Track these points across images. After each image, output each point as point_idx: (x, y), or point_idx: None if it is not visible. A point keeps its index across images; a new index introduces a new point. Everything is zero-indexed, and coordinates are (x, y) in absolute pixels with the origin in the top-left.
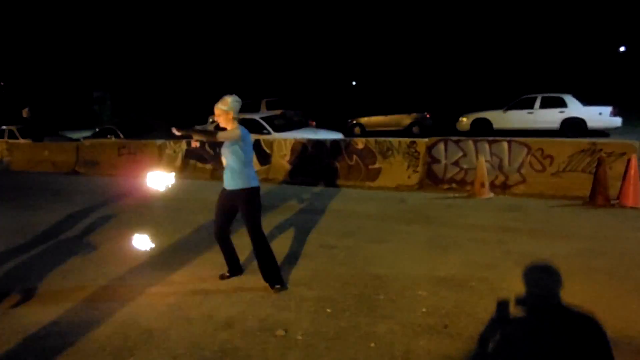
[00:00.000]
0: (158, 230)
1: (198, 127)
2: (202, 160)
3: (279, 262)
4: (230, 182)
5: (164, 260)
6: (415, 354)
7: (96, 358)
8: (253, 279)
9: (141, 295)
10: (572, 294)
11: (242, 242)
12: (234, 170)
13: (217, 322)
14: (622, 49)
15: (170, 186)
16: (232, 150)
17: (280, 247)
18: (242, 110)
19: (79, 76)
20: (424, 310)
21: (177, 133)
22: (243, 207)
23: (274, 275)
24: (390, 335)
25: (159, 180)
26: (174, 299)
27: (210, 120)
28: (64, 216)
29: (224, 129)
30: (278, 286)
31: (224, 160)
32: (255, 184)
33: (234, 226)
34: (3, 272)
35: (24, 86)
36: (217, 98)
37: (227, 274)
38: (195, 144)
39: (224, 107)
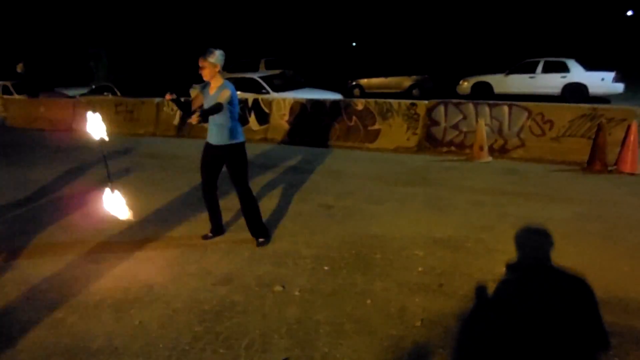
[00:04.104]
0: (157, 188)
1: (183, 100)
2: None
3: (277, 221)
4: (217, 137)
5: (163, 217)
6: (410, 310)
7: (97, 310)
8: (251, 236)
9: (141, 250)
10: (566, 256)
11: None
12: (222, 126)
13: (216, 278)
14: (629, 13)
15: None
16: (231, 106)
17: (278, 206)
18: (241, 69)
19: (74, 31)
20: (420, 269)
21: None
22: (230, 162)
23: (260, 229)
24: (386, 293)
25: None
26: (173, 254)
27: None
28: (62, 172)
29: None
30: (262, 239)
31: (219, 114)
32: (242, 138)
33: (225, 188)
34: (3, 227)
35: (17, 40)
36: None
37: (210, 234)
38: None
39: (212, 60)
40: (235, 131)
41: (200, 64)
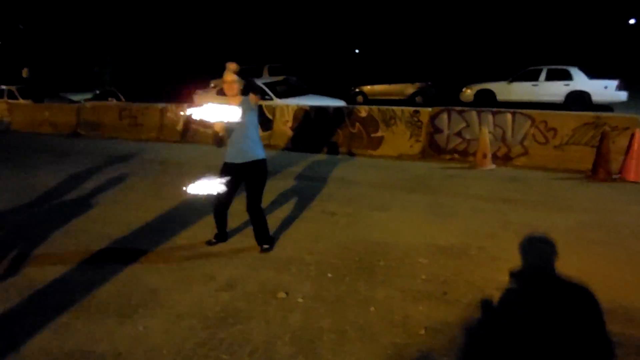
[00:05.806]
0: (161, 194)
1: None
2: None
3: (280, 227)
4: (249, 153)
5: (167, 222)
6: (413, 318)
7: (101, 315)
8: (254, 242)
9: (144, 256)
10: (569, 265)
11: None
12: (256, 140)
13: (219, 284)
14: (631, 21)
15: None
16: (253, 120)
17: (281, 212)
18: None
19: (79, 36)
20: (423, 277)
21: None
22: (253, 179)
23: (266, 237)
24: (389, 301)
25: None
26: (177, 260)
27: (212, 84)
28: (67, 177)
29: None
30: (266, 246)
31: (242, 132)
32: (264, 154)
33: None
34: (7, 232)
35: (22, 46)
36: (220, 60)
37: (214, 240)
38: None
39: (237, 77)
40: (259, 146)
41: (230, 77)
